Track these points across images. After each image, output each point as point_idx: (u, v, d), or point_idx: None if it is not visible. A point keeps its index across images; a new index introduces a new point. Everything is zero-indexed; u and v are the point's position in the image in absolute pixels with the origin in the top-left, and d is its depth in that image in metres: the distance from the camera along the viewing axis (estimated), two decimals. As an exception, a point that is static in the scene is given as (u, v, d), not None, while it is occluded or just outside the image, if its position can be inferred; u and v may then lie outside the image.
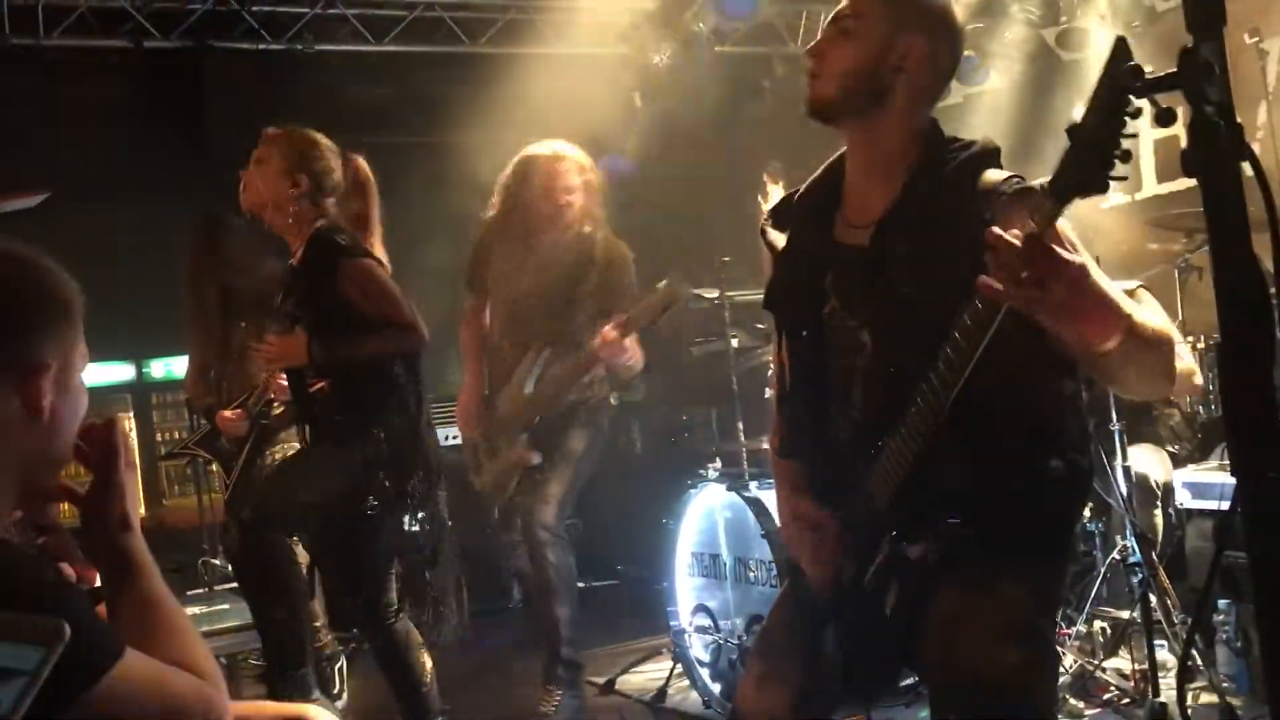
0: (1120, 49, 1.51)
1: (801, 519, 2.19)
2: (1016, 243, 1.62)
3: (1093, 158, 1.55)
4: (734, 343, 4.56)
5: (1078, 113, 1.56)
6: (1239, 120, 1.27)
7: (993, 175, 1.95)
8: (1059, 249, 1.64)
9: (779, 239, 2.26)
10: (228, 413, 4.51)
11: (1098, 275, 1.73)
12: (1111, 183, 1.56)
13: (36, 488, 1.55)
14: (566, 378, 4.14)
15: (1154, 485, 4.13)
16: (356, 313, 3.43)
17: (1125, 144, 1.53)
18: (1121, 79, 1.49)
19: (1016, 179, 1.94)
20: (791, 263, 2.22)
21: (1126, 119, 1.52)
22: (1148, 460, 4.21)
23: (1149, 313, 1.81)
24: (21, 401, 1.47)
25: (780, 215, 2.28)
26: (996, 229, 1.65)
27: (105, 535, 1.58)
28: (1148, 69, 1.45)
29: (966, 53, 6.03)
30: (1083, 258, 1.68)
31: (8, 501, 1.50)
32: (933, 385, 1.85)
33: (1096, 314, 1.71)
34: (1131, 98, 1.49)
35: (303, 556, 4.15)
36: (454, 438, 5.72)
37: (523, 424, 4.19)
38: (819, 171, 2.25)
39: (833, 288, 2.11)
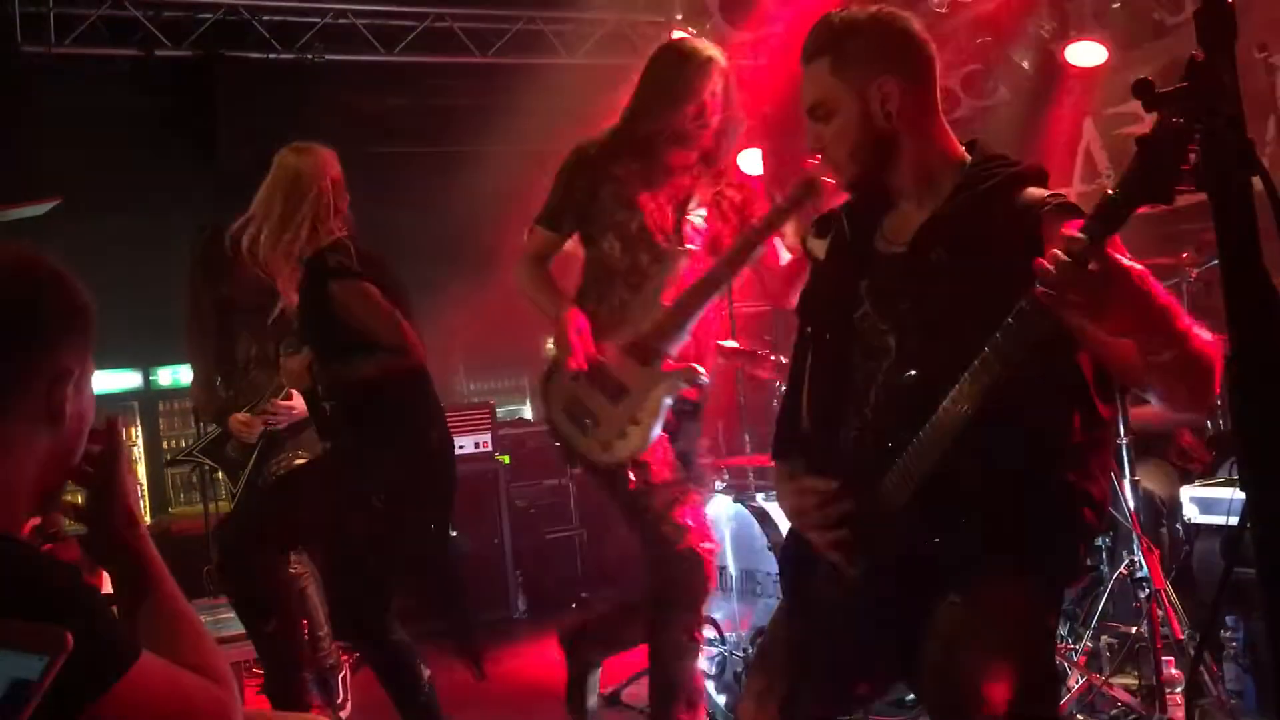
0: (1199, 66, 1.50)
1: (808, 491, 2.15)
2: (1069, 260, 1.63)
3: (1162, 166, 1.55)
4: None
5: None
6: (1248, 134, 1.27)
7: (1033, 192, 2.00)
8: (1120, 256, 1.64)
9: (819, 247, 2.28)
10: (241, 416, 4.53)
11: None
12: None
13: (50, 493, 1.56)
14: (714, 279, 3.30)
15: (1159, 502, 4.12)
16: (352, 334, 3.44)
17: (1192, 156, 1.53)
18: (1197, 92, 1.48)
19: (1057, 196, 1.99)
20: (830, 269, 2.27)
21: (1197, 132, 1.50)
22: (1154, 477, 4.20)
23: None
24: (45, 408, 1.49)
25: (825, 224, 2.32)
26: (1042, 260, 1.66)
27: (112, 532, 1.59)
28: (1156, 84, 1.45)
29: (974, 66, 6.13)
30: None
31: (27, 507, 1.51)
32: (968, 384, 1.85)
33: (1158, 320, 1.71)
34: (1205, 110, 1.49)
35: (302, 566, 4.16)
36: (460, 448, 5.73)
37: (668, 340, 3.29)
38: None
39: (868, 293, 2.15)
